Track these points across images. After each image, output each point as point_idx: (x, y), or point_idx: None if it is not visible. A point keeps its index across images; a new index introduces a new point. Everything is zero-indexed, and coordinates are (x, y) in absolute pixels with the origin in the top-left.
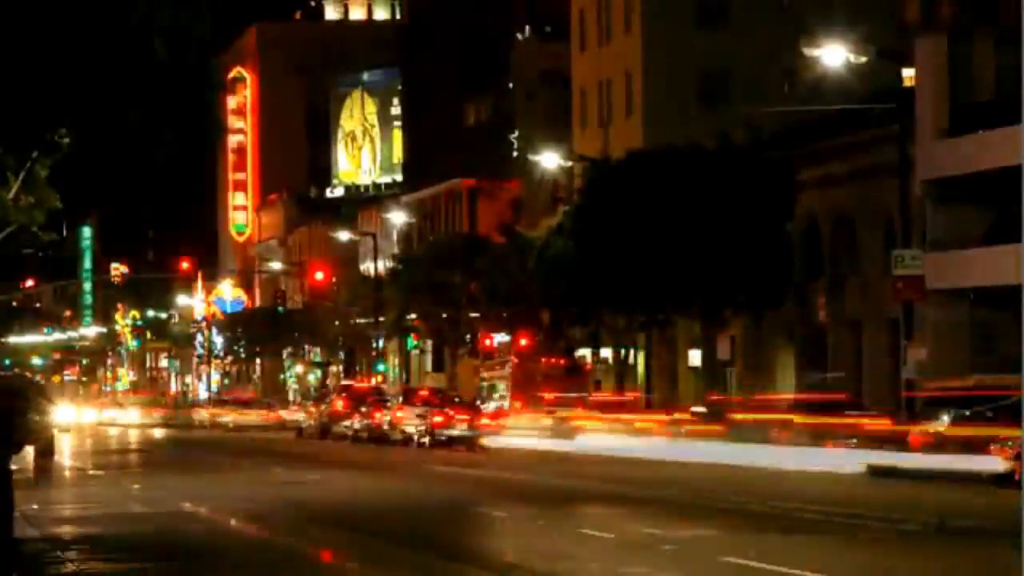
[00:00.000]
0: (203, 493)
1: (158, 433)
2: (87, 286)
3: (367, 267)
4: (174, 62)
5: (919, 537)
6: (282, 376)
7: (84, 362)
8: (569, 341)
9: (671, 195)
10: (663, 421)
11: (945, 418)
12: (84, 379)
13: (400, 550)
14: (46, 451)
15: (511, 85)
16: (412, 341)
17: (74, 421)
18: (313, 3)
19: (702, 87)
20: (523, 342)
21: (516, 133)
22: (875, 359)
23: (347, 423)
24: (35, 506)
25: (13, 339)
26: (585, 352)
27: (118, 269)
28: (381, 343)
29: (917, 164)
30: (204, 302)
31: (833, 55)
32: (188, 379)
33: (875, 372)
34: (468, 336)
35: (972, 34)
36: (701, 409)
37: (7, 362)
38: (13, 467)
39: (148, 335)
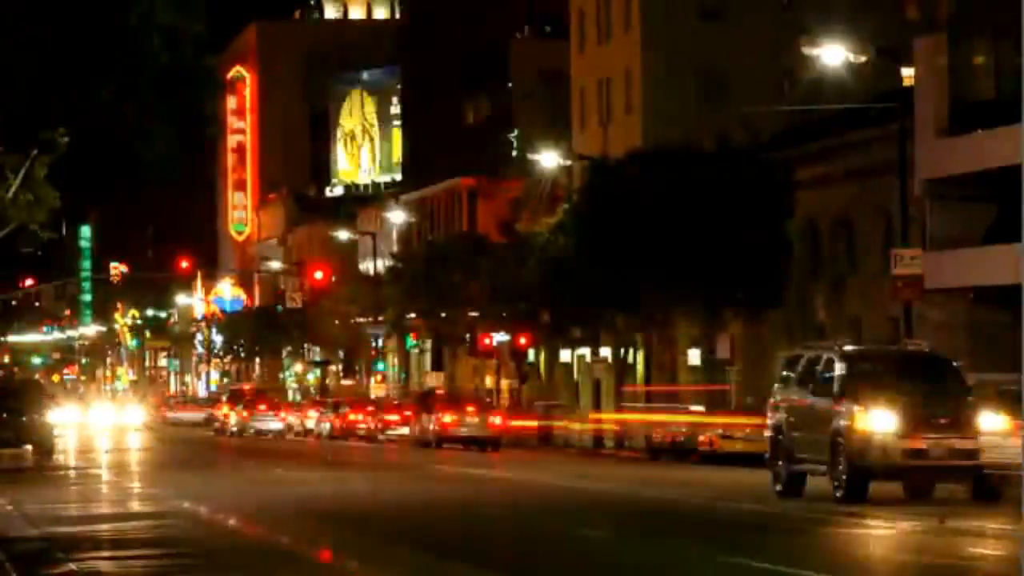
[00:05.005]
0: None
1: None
2: (86, 285)
3: (367, 266)
4: (173, 61)
5: None
6: (281, 375)
7: (84, 361)
8: (569, 341)
9: (671, 194)
10: None
11: None
12: (83, 378)
13: None
14: (45, 449)
15: (510, 84)
16: (411, 340)
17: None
18: (313, 2)
19: (701, 86)
20: (522, 341)
21: (515, 132)
22: None
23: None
24: (35, 505)
25: (12, 338)
26: (584, 352)
27: (117, 268)
28: (380, 342)
29: (917, 163)
30: (204, 301)
31: (833, 55)
32: (187, 378)
33: None
34: (468, 335)
35: (972, 34)
36: None
37: (5, 360)
38: (13, 466)
39: (147, 334)
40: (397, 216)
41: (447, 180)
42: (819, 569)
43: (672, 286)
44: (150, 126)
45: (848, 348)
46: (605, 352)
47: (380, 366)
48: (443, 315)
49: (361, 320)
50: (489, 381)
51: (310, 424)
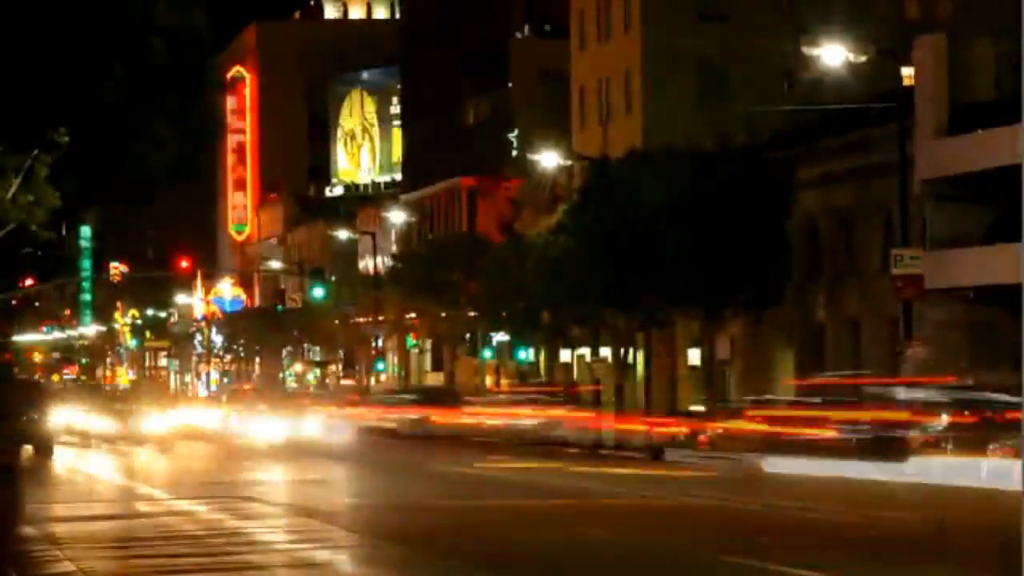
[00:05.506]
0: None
1: None
2: (86, 285)
3: (366, 266)
4: (173, 61)
5: None
6: (281, 375)
7: (84, 361)
8: (569, 341)
9: (671, 194)
10: None
11: None
12: (83, 377)
13: None
14: (44, 450)
15: (510, 84)
16: (411, 340)
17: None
18: (312, 2)
19: (701, 86)
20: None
21: (515, 132)
22: (874, 358)
23: None
24: (33, 504)
25: (12, 338)
26: (584, 352)
27: (117, 268)
28: (380, 342)
29: (916, 163)
30: (203, 301)
31: (833, 55)
32: (187, 378)
33: (874, 372)
34: (467, 335)
35: (972, 34)
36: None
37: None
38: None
39: (147, 334)
40: (397, 216)
41: (447, 180)
42: None
43: (672, 286)
44: (150, 126)
45: None
46: (605, 352)
47: (380, 366)
48: (443, 315)
49: (361, 320)
50: (489, 381)
51: None
